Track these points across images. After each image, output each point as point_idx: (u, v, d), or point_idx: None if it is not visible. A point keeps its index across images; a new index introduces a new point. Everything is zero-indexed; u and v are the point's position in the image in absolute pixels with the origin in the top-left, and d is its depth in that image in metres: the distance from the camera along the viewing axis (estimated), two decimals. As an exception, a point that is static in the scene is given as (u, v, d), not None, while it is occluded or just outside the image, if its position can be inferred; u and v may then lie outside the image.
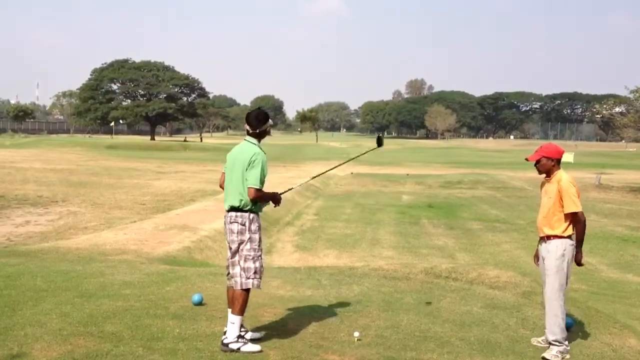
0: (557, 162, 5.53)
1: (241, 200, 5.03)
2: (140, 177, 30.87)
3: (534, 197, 25.34)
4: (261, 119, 5.20)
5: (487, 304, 6.98)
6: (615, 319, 6.83)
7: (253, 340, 5.14)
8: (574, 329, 6.08)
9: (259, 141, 5.19)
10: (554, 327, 5.34)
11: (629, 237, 16.35)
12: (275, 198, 5.18)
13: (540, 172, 5.60)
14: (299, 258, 12.92)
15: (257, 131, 5.17)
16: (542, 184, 5.70)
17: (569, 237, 5.40)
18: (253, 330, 5.39)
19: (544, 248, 5.51)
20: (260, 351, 4.93)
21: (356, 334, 5.45)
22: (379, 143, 6.22)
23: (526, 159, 5.68)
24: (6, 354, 4.71)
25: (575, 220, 5.35)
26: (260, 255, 5.08)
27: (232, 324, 4.98)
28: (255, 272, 5.03)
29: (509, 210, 21.62)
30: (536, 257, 5.79)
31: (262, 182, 5.00)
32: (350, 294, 7.26)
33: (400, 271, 8.91)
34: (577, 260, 5.44)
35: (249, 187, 4.97)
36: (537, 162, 5.55)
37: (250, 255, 5.03)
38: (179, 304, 6.34)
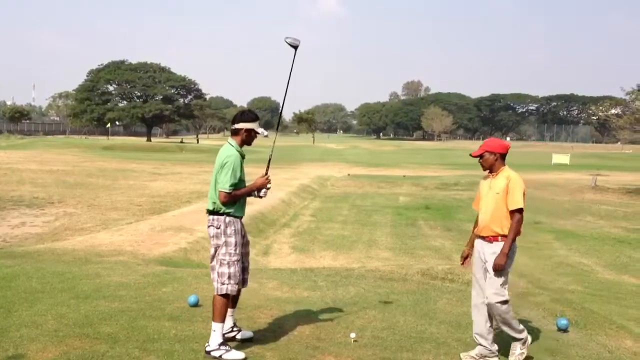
0: (501, 157, 5.18)
1: (214, 203, 5.00)
2: (137, 178, 30.81)
3: (530, 199, 25.26)
4: (237, 117, 5.14)
5: (483, 305, 6.98)
6: (611, 320, 6.84)
7: (243, 342, 5.13)
8: (570, 329, 6.09)
9: (240, 142, 5.08)
10: (508, 322, 5.07)
11: (625, 238, 16.38)
12: (256, 187, 5.08)
13: (484, 168, 5.24)
14: (296, 259, 12.91)
15: (232, 128, 5.11)
16: (483, 180, 5.35)
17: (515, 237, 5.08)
18: (245, 330, 5.38)
19: (489, 249, 5.10)
20: (245, 358, 4.85)
21: (352, 335, 5.45)
22: (294, 46, 5.42)
23: (470, 155, 5.34)
24: (2, 355, 4.69)
25: (515, 217, 5.01)
26: (236, 260, 4.98)
27: (214, 332, 4.92)
28: (229, 278, 4.94)
29: (505, 211, 21.61)
30: (466, 257, 5.39)
31: (233, 185, 4.90)
32: (346, 295, 7.26)
33: (396, 272, 8.92)
34: (497, 264, 4.97)
35: (219, 191, 4.92)
36: (481, 157, 5.21)
37: (225, 260, 4.95)
38: (175, 306, 6.34)
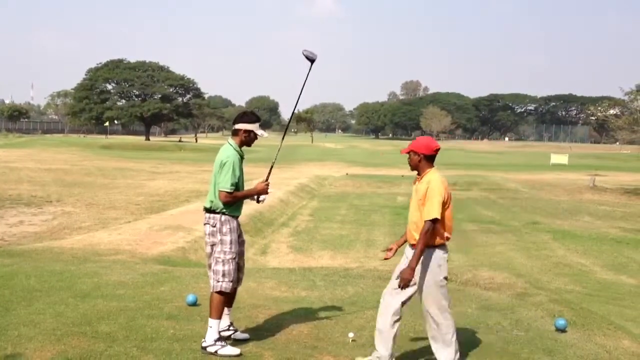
0: (426, 158, 4.76)
1: (211, 202, 5.08)
2: (135, 177, 30.81)
3: (528, 199, 25.39)
4: (237, 117, 5.22)
5: (481, 305, 6.99)
6: (609, 320, 6.85)
7: (237, 342, 5.14)
8: (568, 330, 6.10)
9: (239, 142, 5.14)
10: (448, 354, 4.74)
11: (623, 238, 16.39)
12: (256, 191, 5.15)
13: (411, 168, 4.90)
14: (294, 259, 12.91)
15: (232, 128, 5.20)
16: (414, 182, 4.97)
17: (441, 246, 4.75)
18: (242, 331, 5.38)
19: (411, 255, 4.76)
20: (240, 354, 4.90)
21: (350, 334, 5.46)
22: (310, 59, 5.48)
23: (400, 152, 5.05)
24: (0, 354, 4.69)
25: (424, 227, 4.58)
26: (231, 259, 5.04)
27: (210, 328, 4.98)
28: (223, 275, 5.01)
29: (504, 211, 21.66)
30: (388, 250, 5.11)
31: (233, 185, 4.97)
32: (344, 295, 7.26)
33: (394, 272, 8.91)
34: (403, 278, 4.62)
35: (219, 190, 4.99)
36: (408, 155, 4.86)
37: (220, 258, 5.03)
38: (174, 305, 6.34)
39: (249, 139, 5.14)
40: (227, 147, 5.11)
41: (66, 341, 5.00)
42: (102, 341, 5.04)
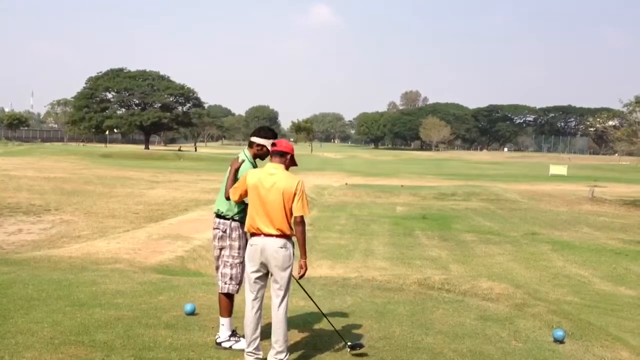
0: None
1: (222, 207, 5.32)
2: (134, 186, 30.80)
3: (527, 210, 25.38)
4: (255, 130, 5.50)
5: (480, 316, 6.98)
6: (608, 331, 6.84)
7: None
8: (566, 341, 6.09)
9: (253, 154, 5.40)
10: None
11: (622, 250, 16.40)
12: None
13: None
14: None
15: (249, 140, 5.45)
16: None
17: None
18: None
19: None
20: None
21: (349, 344, 5.44)
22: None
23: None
24: (-4, 362, 4.68)
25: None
26: (239, 263, 5.29)
27: (222, 325, 5.29)
28: (231, 278, 5.29)
29: (503, 222, 21.66)
30: None
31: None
32: (343, 305, 7.25)
33: (393, 282, 8.91)
34: None
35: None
36: None
37: (228, 262, 5.29)
38: (172, 314, 6.32)
39: (261, 152, 5.41)
40: (241, 156, 5.38)
41: (63, 350, 4.99)
42: (100, 350, 5.03)
